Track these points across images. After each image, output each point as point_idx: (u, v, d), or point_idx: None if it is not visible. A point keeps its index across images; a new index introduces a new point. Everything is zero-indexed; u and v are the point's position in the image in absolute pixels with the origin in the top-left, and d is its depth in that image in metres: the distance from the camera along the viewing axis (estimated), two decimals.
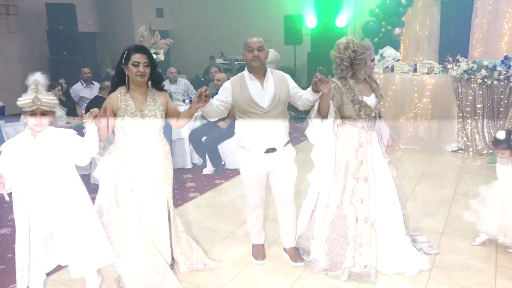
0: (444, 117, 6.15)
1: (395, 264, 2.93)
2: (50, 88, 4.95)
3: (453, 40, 7.97)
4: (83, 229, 2.53)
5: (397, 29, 7.87)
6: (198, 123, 5.44)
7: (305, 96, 2.85)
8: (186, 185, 4.89)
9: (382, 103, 3.10)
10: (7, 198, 2.44)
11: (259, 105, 2.81)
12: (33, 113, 2.37)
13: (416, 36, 8.34)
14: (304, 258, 3.12)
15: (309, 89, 2.78)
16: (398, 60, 6.88)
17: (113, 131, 2.71)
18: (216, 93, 2.98)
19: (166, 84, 6.68)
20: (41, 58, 9.80)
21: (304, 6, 9.22)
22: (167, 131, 5.29)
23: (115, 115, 2.65)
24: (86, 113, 4.76)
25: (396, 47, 7.73)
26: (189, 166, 5.50)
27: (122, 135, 2.69)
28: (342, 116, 2.97)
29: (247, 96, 2.82)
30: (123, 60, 2.66)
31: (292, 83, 2.95)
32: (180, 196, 4.53)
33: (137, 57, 2.62)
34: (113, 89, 2.73)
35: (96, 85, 6.65)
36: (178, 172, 5.34)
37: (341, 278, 2.87)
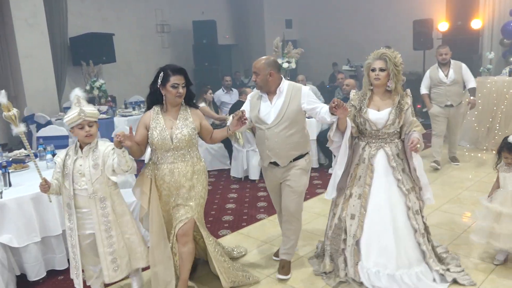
0: None
1: None
2: (202, 93, 5.88)
3: None
4: (120, 233, 2.62)
5: None
6: (325, 126, 5.83)
7: (322, 115, 2.85)
8: (313, 182, 5.31)
9: (414, 118, 2.86)
10: (50, 200, 2.66)
11: (264, 121, 2.92)
12: (81, 126, 2.48)
13: None
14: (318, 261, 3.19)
15: (327, 109, 2.78)
16: None
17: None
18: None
19: None
20: (187, 69, 11.23)
21: (435, 10, 9.01)
22: None
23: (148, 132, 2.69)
24: (229, 115, 5.56)
25: None
26: (316, 165, 5.94)
27: (154, 152, 2.72)
28: (358, 129, 2.96)
29: (255, 112, 2.97)
30: (159, 81, 2.65)
31: (306, 98, 2.89)
32: (308, 191, 4.95)
33: (176, 79, 2.62)
34: (149, 107, 2.76)
35: (235, 91, 7.51)
36: None
37: (331, 284, 2.91)
